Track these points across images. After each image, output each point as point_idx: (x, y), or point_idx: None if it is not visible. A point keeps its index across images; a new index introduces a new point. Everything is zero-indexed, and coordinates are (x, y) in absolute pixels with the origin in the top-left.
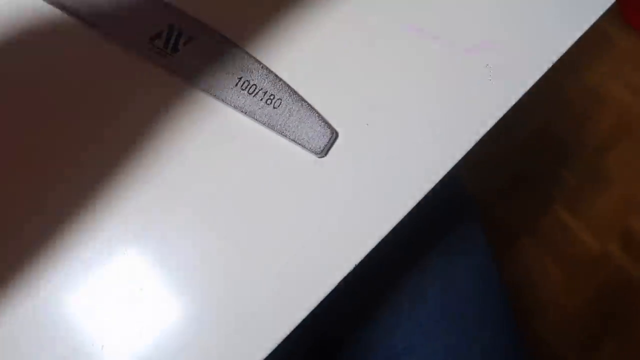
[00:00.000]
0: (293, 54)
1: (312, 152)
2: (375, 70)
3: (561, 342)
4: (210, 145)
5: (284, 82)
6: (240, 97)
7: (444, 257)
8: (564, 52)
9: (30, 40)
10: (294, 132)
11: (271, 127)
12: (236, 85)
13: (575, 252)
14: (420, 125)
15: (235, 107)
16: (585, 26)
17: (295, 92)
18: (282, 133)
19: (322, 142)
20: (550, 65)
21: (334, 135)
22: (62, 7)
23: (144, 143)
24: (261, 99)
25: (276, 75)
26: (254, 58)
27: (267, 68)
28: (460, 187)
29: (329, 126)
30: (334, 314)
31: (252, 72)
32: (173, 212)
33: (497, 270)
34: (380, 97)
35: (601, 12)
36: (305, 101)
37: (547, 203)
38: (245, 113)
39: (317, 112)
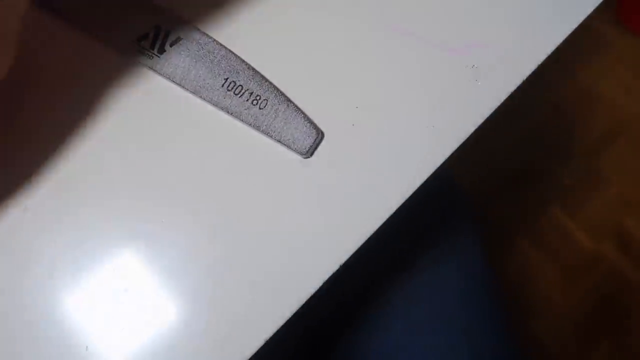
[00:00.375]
0: (279, 55)
1: (298, 152)
2: (361, 70)
3: (557, 341)
4: (196, 145)
5: (270, 83)
6: (226, 98)
7: (437, 257)
8: (551, 52)
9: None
10: (279, 132)
11: (257, 127)
12: (222, 86)
13: (571, 252)
14: (405, 126)
15: (221, 108)
16: (572, 26)
17: (281, 93)
18: (267, 134)
19: (308, 142)
20: (536, 65)
21: (320, 135)
22: (48, 8)
23: (130, 144)
24: (247, 100)
25: (262, 76)
26: (240, 59)
27: (253, 69)
28: (454, 187)
29: (315, 127)
30: (325, 312)
31: (239, 73)
32: (159, 212)
33: (490, 270)
34: (366, 97)
35: (589, 12)
36: (292, 102)
37: (542, 203)
38: (231, 114)
39: (303, 113)
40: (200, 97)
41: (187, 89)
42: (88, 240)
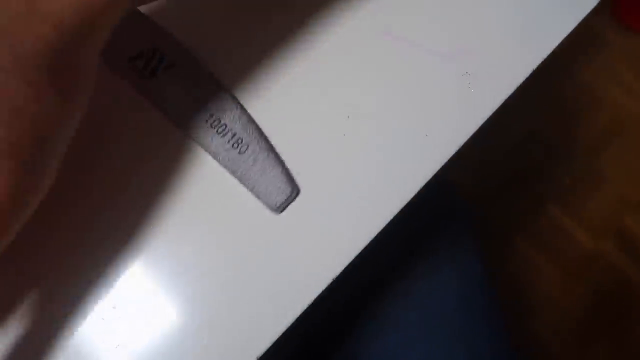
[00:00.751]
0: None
1: (268, 206)
2: (349, 82)
3: (558, 340)
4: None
5: (256, 127)
6: (207, 135)
7: (434, 264)
8: (544, 58)
9: None
10: (254, 182)
11: (232, 172)
12: (206, 122)
13: (570, 252)
14: (398, 135)
15: (200, 145)
16: (565, 32)
17: (264, 140)
18: (241, 180)
19: (280, 198)
20: (530, 72)
21: (294, 193)
22: None
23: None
24: (228, 141)
25: (249, 119)
26: (231, 96)
27: (241, 108)
28: (451, 194)
29: (291, 183)
30: (323, 320)
31: (226, 111)
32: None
33: (488, 275)
34: (356, 104)
35: (583, 16)
36: (274, 151)
37: (542, 203)
38: (210, 152)
39: (283, 166)
40: (182, 128)
41: (170, 118)
42: (76, 258)
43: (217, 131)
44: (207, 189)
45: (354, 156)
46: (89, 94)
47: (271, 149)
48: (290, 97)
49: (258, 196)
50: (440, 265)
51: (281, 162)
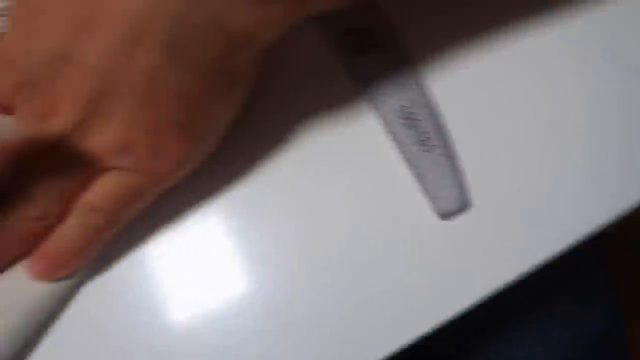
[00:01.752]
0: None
1: (436, 211)
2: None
3: None
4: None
5: (446, 132)
6: (396, 123)
7: (571, 306)
8: None
9: None
10: (429, 183)
11: (410, 166)
12: (401, 110)
13: None
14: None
15: (387, 129)
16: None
17: (451, 147)
18: (416, 177)
19: (452, 206)
20: None
21: (466, 206)
22: None
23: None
24: (415, 136)
25: (442, 121)
26: (429, 93)
27: (436, 109)
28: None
29: (465, 195)
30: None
31: (421, 107)
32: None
33: (621, 334)
34: (561, 121)
35: None
36: (457, 160)
37: None
38: (395, 140)
39: (462, 177)
40: (374, 107)
41: (367, 97)
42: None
43: (407, 122)
44: (377, 170)
45: (546, 172)
46: (247, 90)
47: (455, 156)
48: (490, 103)
49: (430, 199)
50: (579, 311)
51: (461, 173)
